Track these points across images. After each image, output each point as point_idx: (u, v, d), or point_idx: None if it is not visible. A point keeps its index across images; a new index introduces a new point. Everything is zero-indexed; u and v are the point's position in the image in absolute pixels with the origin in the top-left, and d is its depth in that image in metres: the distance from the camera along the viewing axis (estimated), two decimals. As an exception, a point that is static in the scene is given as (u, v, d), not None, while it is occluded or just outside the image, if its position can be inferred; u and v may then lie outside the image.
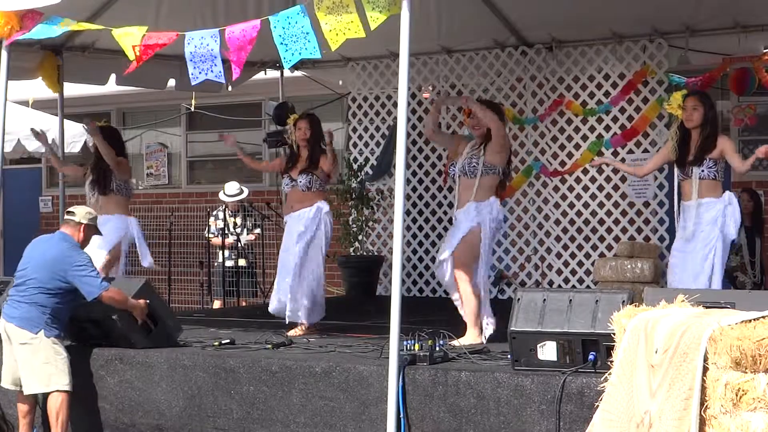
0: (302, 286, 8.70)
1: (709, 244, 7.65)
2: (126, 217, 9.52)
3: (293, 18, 6.79)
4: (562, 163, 11.55)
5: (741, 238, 10.94)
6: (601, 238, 11.41)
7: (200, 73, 7.14)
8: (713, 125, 7.77)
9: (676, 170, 7.84)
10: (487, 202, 7.91)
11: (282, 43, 6.80)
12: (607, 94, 11.33)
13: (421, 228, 12.44)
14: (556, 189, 11.67)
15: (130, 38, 7.41)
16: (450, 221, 12.21)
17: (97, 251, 8.99)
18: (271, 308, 8.90)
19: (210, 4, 10.38)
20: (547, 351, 6.28)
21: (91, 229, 7.72)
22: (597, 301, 6.25)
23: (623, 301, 6.06)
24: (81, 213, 7.68)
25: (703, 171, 7.68)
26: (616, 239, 11.24)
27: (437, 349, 6.72)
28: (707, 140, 7.72)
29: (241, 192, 13.26)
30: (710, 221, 7.65)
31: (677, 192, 7.86)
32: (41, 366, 7.33)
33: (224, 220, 13.27)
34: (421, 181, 12.45)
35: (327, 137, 8.77)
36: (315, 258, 8.74)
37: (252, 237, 13.36)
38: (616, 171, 11.29)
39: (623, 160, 11.24)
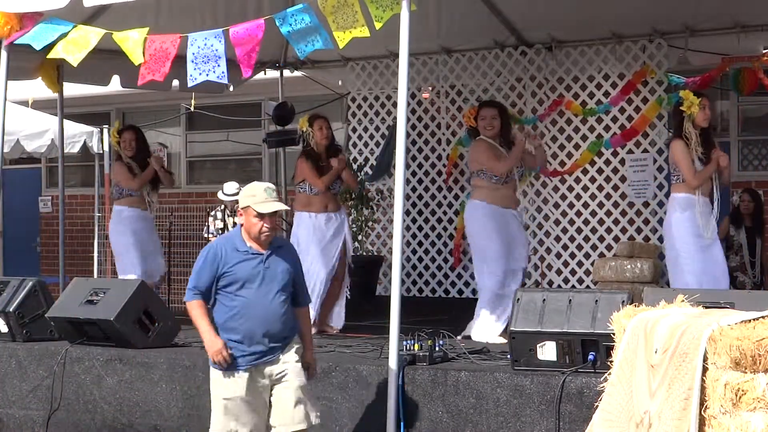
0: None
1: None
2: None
3: (298, 16, 6.81)
4: (562, 163, 11.55)
5: (741, 238, 10.96)
6: (601, 238, 11.41)
7: (200, 74, 7.11)
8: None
9: (699, 168, 7.81)
10: None
11: (292, 38, 6.83)
12: (606, 94, 11.33)
13: (420, 228, 12.43)
14: (555, 189, 11.66)
15: (132, 43, 7.40)
16: (450, 221, 12.25)
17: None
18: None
19: (210, 4, 10.37)
20: (547, 351, 6.28)
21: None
22: (596, 301, 6.25)
23: (623, 301, 6.06)
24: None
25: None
26: (616, 239, 11.24)
27: (437, 349, 6.72)
28: (712, 140, 7.92)
29: (240, 191, 13.26)
30: None
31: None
32: None
33: (223, 220, 13.27)
34: (420, 181, 12.45)
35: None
36: None
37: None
38: (615, 171, 11.30)
39: (623, 160, 11.25)
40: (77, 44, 7.64)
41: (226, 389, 5.74)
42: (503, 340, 7.80)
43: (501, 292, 8.19)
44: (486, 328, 8.14)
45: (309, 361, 5.93)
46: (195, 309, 5.76)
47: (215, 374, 5.79)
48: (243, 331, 5.70)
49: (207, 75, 7.08)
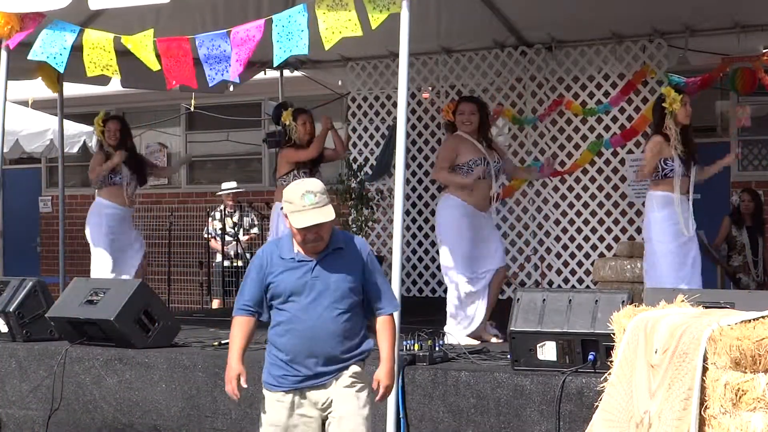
0: None
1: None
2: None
3: (294, 16, 6.84)
4: (562, 163, 11.54)
5: (743, 238, 10.95)
6: (601, 238, 11.40)
7: (216, 74, 7.19)
8: None
9: (678, 166, 7.78)
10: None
11: (278, 41, 6.85)
12: (606, 94, 11.32)
13: (420, 228, 12.43)
14: (555, 189, 11.66)
15: (142, 49, 7.40)
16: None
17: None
18: None
19: (210, 4, 10.36)
20: (547, 351, 6.28)
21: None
22: (596, 301, 6.26)
23: (623, 301, 6.06)
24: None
25: (697, 167, 7.80)
26: (616, 239, 11.23)
27: (437, 349, 6.72)
28: (692, 138, 7.90)
29: (237, 186, 13.40)
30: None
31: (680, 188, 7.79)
32: None
33: (221, 220, 13.28)
34: (420, 181, 12.44)
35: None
36: None
37: (247, 237, 13.38)
38: (615, 171, 11.30)
39: (623, 160, 11.26)
40: (102, 57, 7.60)
41: (267, 410, 5.00)
42: (472, 341, 7.76)
43: (468, 293, 7.95)
44: (455, 328, 7.95)
45: (378, 378, 4.99)
46: (233, 326, 5.01)
47: (263, 393, 5.09)
48: (287, 350, 4.89)
49: (222, 75, 7.15)
